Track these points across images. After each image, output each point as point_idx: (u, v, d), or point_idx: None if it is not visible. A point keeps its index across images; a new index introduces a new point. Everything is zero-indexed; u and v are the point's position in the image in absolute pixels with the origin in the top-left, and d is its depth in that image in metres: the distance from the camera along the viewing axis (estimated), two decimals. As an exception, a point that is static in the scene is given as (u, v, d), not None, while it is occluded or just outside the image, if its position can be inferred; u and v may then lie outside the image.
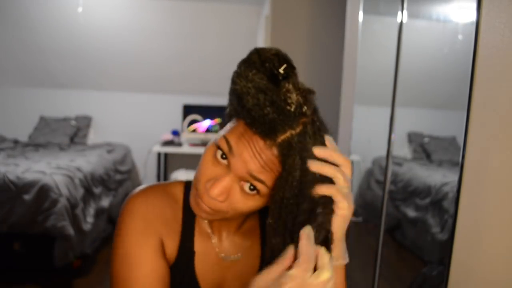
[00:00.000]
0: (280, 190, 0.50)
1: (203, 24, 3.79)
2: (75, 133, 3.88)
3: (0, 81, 3.96)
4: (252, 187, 0.54)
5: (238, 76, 0.53)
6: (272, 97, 0.50)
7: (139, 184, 4.12)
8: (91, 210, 2.78)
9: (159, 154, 3.86)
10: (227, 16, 3.77)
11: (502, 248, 0.82)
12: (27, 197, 2.35)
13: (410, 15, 1.57)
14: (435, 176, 2.33)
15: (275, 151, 0.51)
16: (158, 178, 3.91)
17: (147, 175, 4.16)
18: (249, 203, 0.55)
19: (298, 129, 0.51)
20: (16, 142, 3.73)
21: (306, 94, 0.52)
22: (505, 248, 0.82)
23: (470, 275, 0.89)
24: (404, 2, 1.51)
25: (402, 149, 2.78)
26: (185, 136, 3.82)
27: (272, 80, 0.52)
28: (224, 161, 0.55)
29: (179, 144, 3.71)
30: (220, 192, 0.54)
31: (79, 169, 2.77)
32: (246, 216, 0.68)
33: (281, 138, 0.50)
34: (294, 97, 0.51)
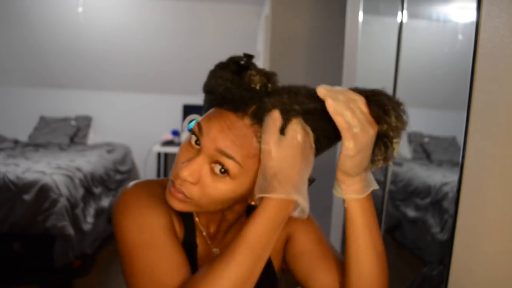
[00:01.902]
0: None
1: (203, 24, 3.79)
2: (75, 133, 3.88)
3: (0, 81, 3.96)
4: (222, 169, 0.54)
5: (209, 77, 0.58)
6: (239, 82, 0.54)
7: (139, 184, 4.12)
8: (91, 210, 2.77)
9: (159, 154, 3.86)
10: (227, 16, 3.77)
11: (502, 248, 0.82)
12: (27, 197, 2.35)
13: (410, 15, 1.57)
14: (435, 176, 2.33)
15: (247, 121, 0.53)
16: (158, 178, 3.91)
17: (147, 175, 4.15)
18: (220, 185, 0.55)
19: (266, 99, 0.54)
20: (16, 142, 3.73)
21: (270, 76, 0.56)
22: (505, 248, 0.82)
23: (470, 275, 0.89)
24: (404, 2, 1.51)
25: (402, 149, 2.78)
26: (185, 136, 3.82)
27: (238, 74, 0.56)
28: (198, 147, 0.56)
29: (179, 144, 3.70)
30: (191, 173, 0.54)
31: (79, 169, 2.77)
32: (238, 216, 0.68)
33: (252, 108, 0.53)
34: (257, 78, 0.54)
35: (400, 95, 1.53)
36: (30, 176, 2.42)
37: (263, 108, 0.53)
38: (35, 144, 3.68)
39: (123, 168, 3.62)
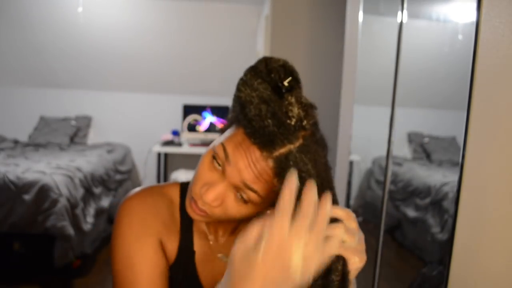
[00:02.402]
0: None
1: (203, 24, 3.79)
2: (75, 133, 3.88)
3: (0, 81, 3.96)
4: (245, 197, 0.54)
5: (243, 84, 0.53)
6: (274, 109, 0.50)
7: (139, 184, 4.12)
8: (91, 210, 2.78)
9: (159, 154, 3.86)
10: (227, 16, 3.77)
11: (502, 248, 0.82)
12: (27, 197, 2.35)
13: (410, 15, 1.57)
14: (435, 176, 2.33)
15: (270, 163, 0.51)
16: (158, 178, 3.91)
17: (147, 175, 4.16)
18: (243, 210, 0.56)
19: (297, 143, 0.51)
20: (16, 142, 3.73)
21: (308, 108, 0.53)
22: (505, 248, 0.82)
23: (470, 275, 0.89)
24: (404, 2, 1.51)
25: (402, 149, 2.78)
26: (185, 136, 3.82)
27: (276, 91, 0.52)
28: (220, 168, 0.55)
29: (179, 144, 3.71)
30: (214, 198, 0.54)
31: (79, 169, 2.77)
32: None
33: (279, 151, 0.50)
34: (295, 110, 0.51)
35: (400, 95, 1.53)
36: (30, 176, 2.42)
37: (287, 161, 0.49)
38: (35, 144, 3.68)
39: (123, 168, 3.62)
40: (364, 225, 2.66)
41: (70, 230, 2.38)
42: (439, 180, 2.22)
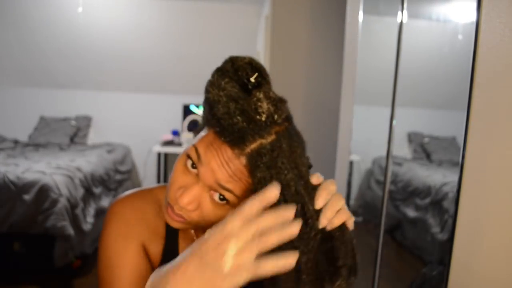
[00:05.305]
0: None
1: (203, 24, 3.79)
2: (75, 133, 3.88)
3: (0, 81, 3.96)
4: (221, 196, 0.53)
5: (211, 85, 0.53)
6: (242, 106, 0.50)
7: (139, 184, 4.12)
8: (91, 210, 2.78)
9: (159, 154, 3.86)
10: (227, 16, 3.77)
11: (502, 248, 0.82)
12: (27, 197, 2.35)
13: (410, 15, 1.57)
14: (435, 176, 2.33)
15: (243, 160, 0.50)
16: (158, 178, 3.91)
17: (147, 175, 4.16)
18: (219, 212, 0.54)
19: (269, 139, 0.50)
20: (16, 142, 3.73)
21: (277, 103, 0.52)
22: (505, 248, 0.82)
23: (470, 275, 0.89)
24: (404, 2, 1.51)
25: (402, 149, 2.78)
26: (185, 136, 3.82)
27: (244, 89, 0.52)
28: (194, 170, 0.54)
29: (179, 144, 3.71)
30: (189, 201, 0.53)
31: (79, 169, 2.77)
32: None
33: (250, 147, 0.49)
34: (265, 105, 0.50)
35: (400, 95, 1.53)
36: (30, 176, 2.42)
37: (260, 157, 0.49)
38: (35, 144, 3.68)
39: (123, 168, 3.62)
40: (364, 225, 2.66)
41: (70, 230, 2.38)
42: (439, 180, 2.23)
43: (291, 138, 0.51)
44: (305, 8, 2.58)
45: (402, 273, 2.35)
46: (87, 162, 3.00)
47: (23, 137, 3.89)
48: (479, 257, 0.86)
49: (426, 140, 2.70)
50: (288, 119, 0.53)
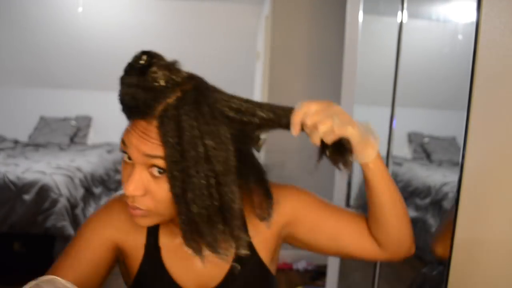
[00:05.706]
0: (171, 162, 0.53)
1: (203, 24, 3.79)
2: (75, 133, 3.88)
3: (0, 81, 3.96)
4: (160, 170, 0.55)
5: (119, 90, 0.58)
6: (143, 83, 0.53)
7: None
8: (91, 210, 2.78)
9: (159, 154, 3.86)
10: (227, 16, 3.77)
11: (502, 248, 0.82)
12: (27, 197, 2.35)
13: (410, 15, 1.57)
14: (435, 176, 2.33)
15: (155, 124, 0.53)
16: (158, 178, 3.91)
17: (147, 175, 4.16)
18: (164, 185, 0.56)
19: (173, 97, 0.53)
20: (16, 142, 3.73)
21: (170, 66, 0.55)
22: (505, 248, 0.82)
23: (470, 275, 0.89)
24: (404, 2, 1.52)
25: (402, 149, 2.78)
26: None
27: (141, 74, 0.55)
28: (131, 161, 0.57)
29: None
30: (135, 186, 0.56)
31: (79, 169, 2.77)
32: None
33: (157, 110, 0.53)
34: (160, 73, 0.54)
35: (400, 95, 1.53)
36: (30, 176, 2.42)
37: (167, 114, 0.52)
38: (35, 144, 3.68)
39: (123, 168, 3.62)
40: (364, 225, 2.66)
41: (70, 230, 2.38)
42: (439, 180, 2.22)
43: (201, 92, 0.55)
44: (305, 8, 2.58)
45: (402, 273, 2.35)
46: (87, 162, 3.00)
47: (23, 137, 3.88)
48: (479, 257, 0.86)
49: (426, 140, 2.70)
50: (193, 78, 0.57)
